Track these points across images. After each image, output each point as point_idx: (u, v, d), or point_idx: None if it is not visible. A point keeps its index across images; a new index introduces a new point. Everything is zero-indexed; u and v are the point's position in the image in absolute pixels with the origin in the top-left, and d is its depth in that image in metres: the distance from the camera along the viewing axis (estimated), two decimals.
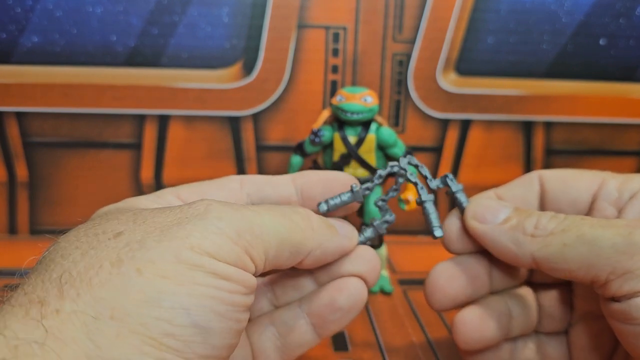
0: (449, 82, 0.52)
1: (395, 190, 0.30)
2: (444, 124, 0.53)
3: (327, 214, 0.28)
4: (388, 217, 0.29)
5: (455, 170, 0.54)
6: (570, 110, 0.54)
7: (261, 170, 0.52)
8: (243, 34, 0.50)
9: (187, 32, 0.49)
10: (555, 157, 0.55)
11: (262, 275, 0.27)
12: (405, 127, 0.53)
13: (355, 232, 0.28)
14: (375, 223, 0.29)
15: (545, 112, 0.54)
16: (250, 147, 0.52)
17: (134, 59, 0.49)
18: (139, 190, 0.52)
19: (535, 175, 0.30)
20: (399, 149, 0.41)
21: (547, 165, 0.55)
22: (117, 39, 0.49)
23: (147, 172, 0.52)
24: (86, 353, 0.18)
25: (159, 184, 0.52)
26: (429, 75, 0.52)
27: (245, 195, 0.28)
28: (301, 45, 0.50)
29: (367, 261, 0.28)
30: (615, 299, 0.23)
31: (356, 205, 0.29)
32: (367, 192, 0.28)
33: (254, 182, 0.28)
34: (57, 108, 0.50)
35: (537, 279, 0.31)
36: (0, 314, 0.19)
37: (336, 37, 0.51)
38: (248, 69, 0.50)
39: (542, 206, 0.29)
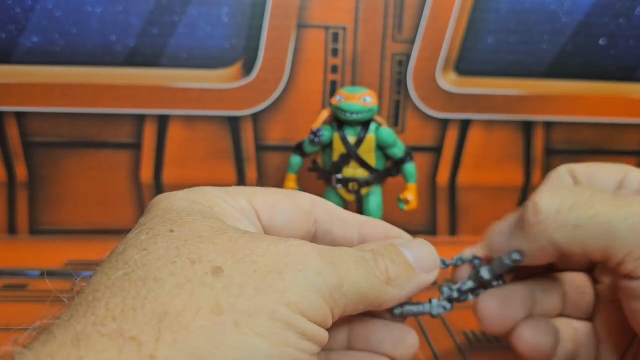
0: (449, 82, 0.52)
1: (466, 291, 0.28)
2: (444, 124, 0.53)
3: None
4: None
5: (454, 170, 0.54)
6: (570, 110, 0.54)
7: (261, 170, 0.52)
8: (243, 34, 0.50)
9: (187, 32, 0.49)
10: (555, 157, 0.55)
11: None
12: (405, 127, 0.53)
13: (437, 259, 0.26)
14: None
15: (545, 112, 0.54)
16: (250, 147, 0.52)
17: (133, 59, 0.49)
18: (139, 190, 0.52)
19: (564, 169, 0.29)
20: (398, 149, 0.41)
21: (547, 165, 0.55)
22: (117, 39, 0.49)
23: (146, 172, 0.52)
24: None
25: (158, 184, 0.52)
26: (428, 75, 0.52)
27: (313, 220, 0.27)
28: (301, 45, 0.50)
29: (406, 347, 0.27)
30: (630, 277, 0.23)
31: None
32: (442, 310, 0.27)
33: (324, 210, 0.27)
34: (56, 108, 0.50)
35: (560, 265, 0.30)
36: (91, 342, 0.17)
37: (336, 37, 0.51)
38: (248, 69, 0.50)
39: None
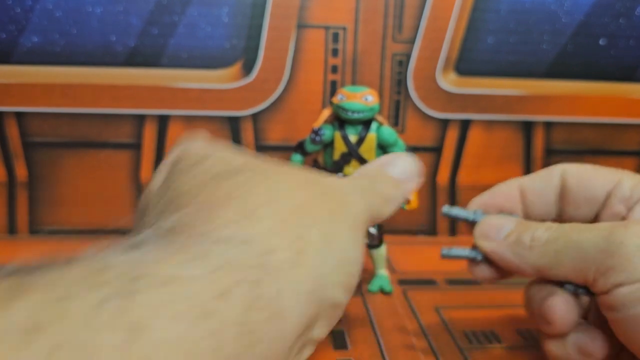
0: (449, 82, 0.52)
1: None
2: (444, 124, 0.53)
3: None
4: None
5: (454, 170, 0.54)
6: (570, 110, 0.54)
7: None
8: (243, 34, 0.50)
9: (187, 32, 0.49)
10: (555, 157, 0.55)
11: None
12: (405, 127, 0.53)
13: (416, 167, 0.31)
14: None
15: (545, 112, 0.54)
16: (250, 147, 0.52)
17: (133, 59, 0.49)
18: (139, 190, 0.52)
19: (558, 170, 0.31)
20: (399, 148, 0.41)
21: (547, 165, 0.55)
22: (117, 39, 0.49)
23: (146, 172, 0.52)
24: None
25: None
26: (428, 75, 0.52)
27: None
28: (301, 45, 0.50)
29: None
30: (603, 294, 0.25)
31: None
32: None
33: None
34: (56, 108, 0.50)
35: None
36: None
37: (336, 37, 0.51)
38: (248, 69, 0.50)
39: (562, 200, 0.31)
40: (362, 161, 0.40)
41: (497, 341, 0.36)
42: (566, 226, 0.27)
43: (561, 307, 0.27)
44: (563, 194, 0.31)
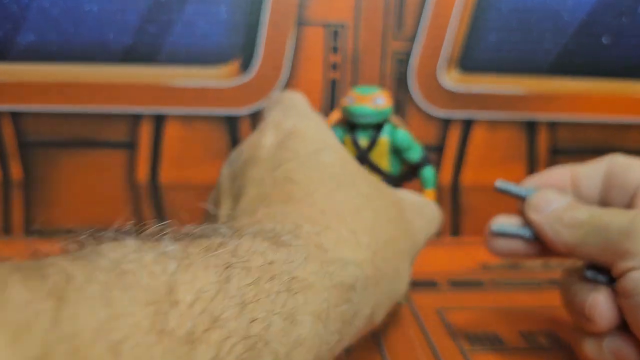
0: (451, 80, 0.52)
1: None
2: (446, 122, 0.53)
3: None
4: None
5: (457, 170, 0.54)
6: (574, 108, 0.54)
7: None
8: (241, 31, 0.49)
9: (185, 30, 0.49)
10: (559, 157, 0.55)
11: None
12: (406, 125, 0.52)
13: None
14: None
15: (548, 110, 0.53)
16: None
17: (130, 57, 0.49)
18: (135, 190, 0.51)
19: (607, 158, 0.33)
20: (414, 152, 0.39)
21: (551, 165, 0.54)
22: (114, 37, 0.48)
23: (143, 172, 0.51)
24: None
25: (155, 184, 0.51)
26: (430, 74, 0.51)
27: None
28: (300, 42, 0.50)
29: None
30: (620, 278, 0.27)
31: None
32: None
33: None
34: (52, 107, 0.49)
35: None
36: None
37: (336, 35, 0.50)
38: (246, 66, 0.50)
39: (605, 187, 0.32)
40: (374, 167, 0.38)
41: (499, 343, 0.35)
42: (602, 209, 0.29)
43: (604, 304, 0.28)
44: (606, 180, 0.32)
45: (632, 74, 0.54)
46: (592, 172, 0.33)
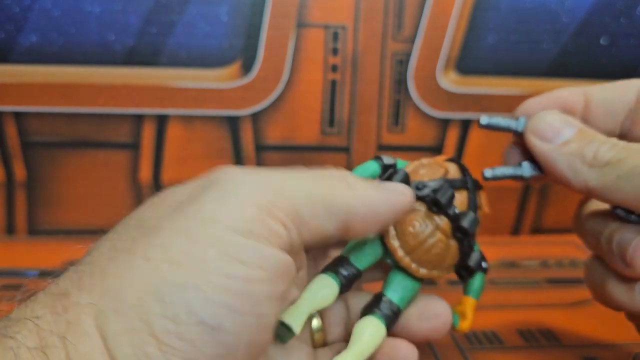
0: (449, 81, 0.52)
1: None
2: (444, 123, 0.53)
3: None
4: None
5: None
6: None
7: None
8: (242, 33, 0.49)
9: (186, 31, 0.49)
10: None
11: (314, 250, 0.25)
12: (405, 126, 0.53)
13: (408, 188, 0.25)
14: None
15: None
16: (249, 146, 0.52)
17: (132, 58, 0.49)
18: (138, 190, 0.52)
19: (636, 84, 0.28)
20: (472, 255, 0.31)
21: None
22: (116, 38, 0.48)
23: (145, 172, 0.51)
24: (99, 348, 0.18)
25: (157, 184, 0.52)
26: (429, 75, 0.52)
27: None
28: (300, 44, 0.50)
29: (433, 317, 0.26)
30: None
31: None
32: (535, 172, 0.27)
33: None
34: (55, 107, 0.49)
35: None
36: (35, 301, 0.19)
37: (336, 36, 0.50)
38: (247, 68, 0.50)
39: (633, 119, 0.27)
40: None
41: (498, 342, 0.35)
42: (635, 147, 0.24)
43: None
44: (637, 112, 0.27)
45: (630, 74, 0.54)
46: (614, 98, 0.27)
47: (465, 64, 0.52)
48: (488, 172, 0.28)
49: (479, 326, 0.37)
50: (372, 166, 0.28)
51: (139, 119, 0.50)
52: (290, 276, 0.21)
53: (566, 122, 0.26)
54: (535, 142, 0.26)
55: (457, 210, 0.26)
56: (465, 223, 0.26)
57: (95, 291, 0.19)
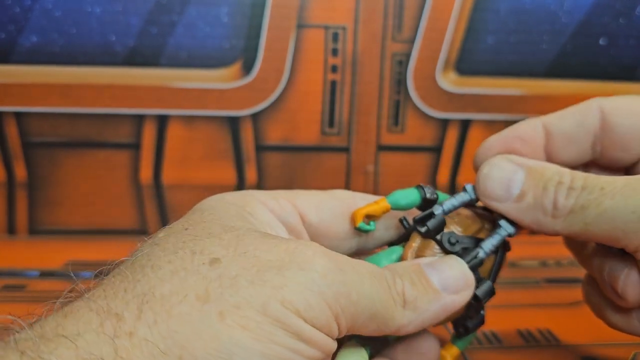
0: (449, 81, 0.52)
1: None
2: (444, 123, 0.53)
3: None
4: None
5: (454, 171, 0.54)
6: None
7: (260, 170, 0.52)
8: (242, 34, 0.49)
9: (186, 32, 0.49)
10: None
11: None
12: (404, 127, 0.53)
13: (469, 279, 0.24)
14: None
15: (545, 112, 0.54)
16: (249, 147, 0.52)
17: (133, 59, 0.49)
18: (138, 190, 0.52)
19: (595, 105, 0.26)
20: None
21: None
22: (116, 38, 0.49)
23: (146, 172, 0.52)
24: None
25: (158, 184, 0.52)
26: (428, 75, 0.52)
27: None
28: (300, 45, 0.50)
29: (418, 354, 0.26)
30: None
31: None
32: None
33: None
34: (56, 108, 0.49)
35: None
36: (79, 314, 0.18)
37: (335, 37, 0.50)
38: (247, 68, 0.50)
39: (603, 141, 0.26)
40: None
41: (497, 342, 0.35)
42: (595, 189, 0.22)
43: (636, 284, 0.24)
44: (604, 133, 0.26)
45: (630, 75, 0.54)
46: (576, 125, 0.26)
47: (465, 65, 0.52)
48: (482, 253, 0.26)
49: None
50: (413, 195, 0.28)
51: (139, 119, 0.50)
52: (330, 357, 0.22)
53: (512, 167, 0.25)
54: (492, 205, 0.25)
55: (479, 275, 0.26)
56: (480, 292, 0.25)
57: (157, 329, 0.18)
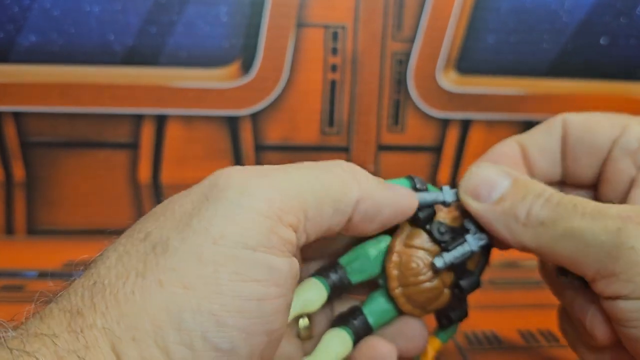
0: (449, 81, 0.52)
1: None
2: (444, 123, 0.53)
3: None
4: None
5: (455, 170, 0.54)
6: (571, 109, 0.54)
7: None
8: (241, 33, 0.49)
9: (186, 31, 0.49)
10: None
11: (314, 246, 0.24)
12: (405, 126, 0.53)
13: (413, 194, 0.25)
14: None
15: (546, 111, 0.54)
16: (248, 147, 0.52)
17: (132, 58, 0.49)
18: (137, 190, 0.52)
19: (559, 119, 0.27)
20: None
21: None
22: (115, 38, 0.48)
23: (144, 172, 0.51)
24: None
25: (156, 184, 0.52)
26: (428, 75, 0.52)
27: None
28: (300, 44, 0.50)
29: (408, 339, 0.26)
30: (605, 298, 0.23)
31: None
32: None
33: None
34: (54, 107, 0.49)
35: None
36: (50, 317, 0.19)
37: (335, 36, 0.50)
38: (246, 68, 0.50)
39: (564, 152, 0.27)
40: None
41: (497, 342, 0.35)
42: (568, 206, 0.23)
43: (606, 323, 0.24)
44: (565, 144, 0.27)
45: (630, 75, 0.54)
46: (545, 140, 0.27)
47: (465, 64, 0.52)
48: (439, 263, 0.25)
49: (478, 327, 0.37)
50: (404, 184, 0.27)
51: (138, 118, 0.50)
52: (296, 280, 0.21)
53: (501, 173, 0.25)
54: (469, 203, 0.25)
55: (466, 268, 0.26)
56: (466, 284, 0.25)
57: (109, 315, 0.18)
